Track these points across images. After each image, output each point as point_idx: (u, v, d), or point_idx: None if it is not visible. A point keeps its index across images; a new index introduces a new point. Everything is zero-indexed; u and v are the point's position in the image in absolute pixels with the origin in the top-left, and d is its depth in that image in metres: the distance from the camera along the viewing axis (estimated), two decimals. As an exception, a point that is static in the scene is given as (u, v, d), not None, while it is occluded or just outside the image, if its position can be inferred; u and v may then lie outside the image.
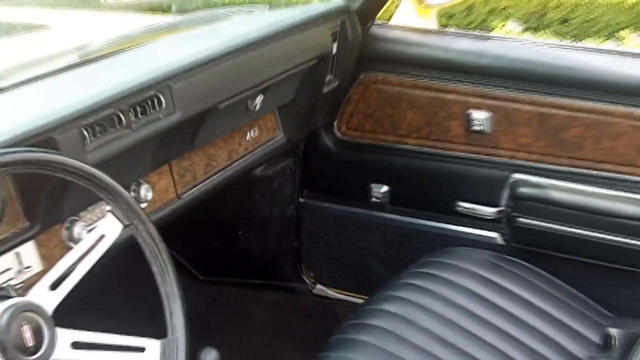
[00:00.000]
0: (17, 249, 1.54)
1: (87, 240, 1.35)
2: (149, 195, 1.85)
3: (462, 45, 2.34)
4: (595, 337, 2.05)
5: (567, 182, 2.24)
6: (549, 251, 2.27)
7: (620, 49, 4.93)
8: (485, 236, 2.38)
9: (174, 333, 1.41)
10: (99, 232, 1.36)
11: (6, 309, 1.22)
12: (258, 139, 2.24)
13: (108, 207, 1.38)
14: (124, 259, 1.45)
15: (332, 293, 2.67)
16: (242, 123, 2.13)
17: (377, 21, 2.40)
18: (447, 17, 5.66)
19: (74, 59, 1.97)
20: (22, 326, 1.24)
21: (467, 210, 2.38)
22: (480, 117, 2.29)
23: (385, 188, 2.48)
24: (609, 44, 5.51)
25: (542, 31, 5.89)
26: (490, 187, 2.33)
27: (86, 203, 1.69)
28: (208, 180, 2.07)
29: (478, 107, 2.29)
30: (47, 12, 2.38)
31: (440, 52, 2.33)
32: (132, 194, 1.78)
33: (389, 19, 2.46)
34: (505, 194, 2.31)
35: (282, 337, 2.54)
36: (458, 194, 2.38)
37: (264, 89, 2.04)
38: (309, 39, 2.13)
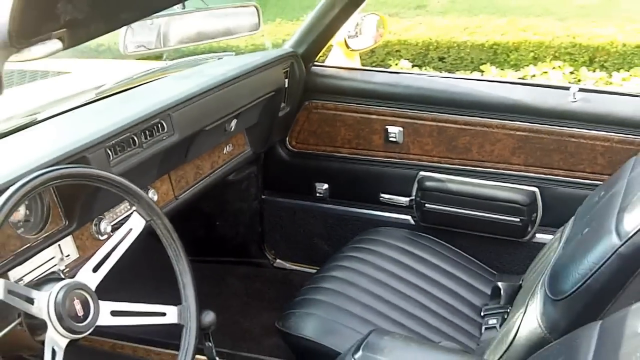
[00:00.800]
0: (59, 242, 1.51)
1: (119, 233, 1.33)
2: (155, 197, 1.84)
3: (380, 79, 2.36)
4: (486, 289, 2.09)
5: (459, 176, 2.28)
6: (448, 227, 2.30)
7: (496, 78, 5.04)
8: (401, 219, 2.39)
9: (187, 300, 1.39)
10: (127, 227, 1.34)
11: (61, 288, 1.20)
12: (232, 152, 2.22)
13: (133, 207, 1.36)
14: (143, 248, 1.42)
15: (288, 265, 2.65)
16: (221, 141, 2.12)
17: (316, 62, 2.39)
18: (356, 58, 5.67)
19: (92, 96, 1.93)
20: (74, 300, 1.21)
21: (388, 200, 2.39)
22: (395, 131, 2.31)
23: (326, 186, 2.48)
24: (477, 74, 5.61)
25: (425, 67, 5.94)
26: (403, 182, 2.35)
27: (109, 205, 1.66)
28: (197, 185, 2.06)
29: (393, 123, 2.30)
30: (69, 61, 2.33)
31: (364, 84, 2.34)
32: None
33: (325, 60, 2.46)
34: (415, 187, 2.33)
35: (252, 300, 2.52)
36: (380, 188, 2.39)
37: (237, 115, 2.03)
38: (268, 76, 2.12)
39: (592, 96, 2.12)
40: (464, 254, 2.22)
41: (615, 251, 1.42)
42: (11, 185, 1.15)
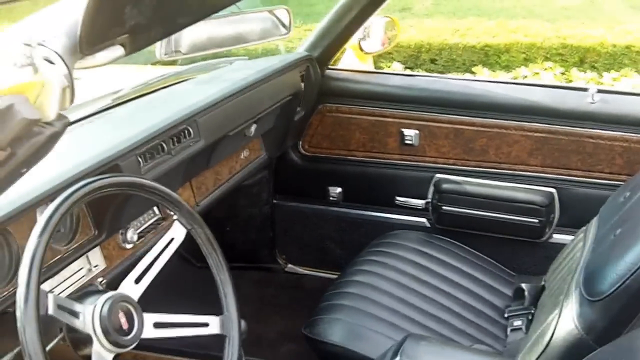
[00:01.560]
0: (88, 253, 1.48)
1: (160, 243, 1.30)
2: None
3: (395, 82, 2.34)
4: (507, 291, 2.08)
5: (476, 178, 2.26)
6: (465, 229, 2.28)
7: (511, 80, 5.02)
8: (416, 221, 2.37)
9: (229, 310, 1.37)
10: (169, 236, 1.31)
11: (106, 301, 1.16)
12: (249, 157, 2.19)
13: (175, 216, 1.33)
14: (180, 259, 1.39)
15: (300, 270, 2.63)
16: (240, 146, 2.09)
17: (330, 66, 2.37)
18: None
19: (109, 101, 1.89)
20: (119, 313, 1.18)
21: (403, 202, 2.37)
22: (410, 133, 2.29)
23: (339, 189, 2.45)
24: (468, 75, 5.61)
25: (418, 69, 5.94)
26: (419, 185, 2.33)
27: (138, 214, 1.63)
28: (216, 191, 2.02)
29: (408, 126, 2.28)
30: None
31: (379, 87, 2.32)
32: None
33: (338, 63, 2.44)
34: (431, 189, 2.31)
35: (265, 306, 2.49)
36: (396, 191, 2.37)
37: (257, 120, 2.00)
38: (286, 80, 2.10)
39: (611, 97, 2.11)
40: (482, 255, 2.20)
41: None
42: (56, 195, 1.12)
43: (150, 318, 1.24)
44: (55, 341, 1.14)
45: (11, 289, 1.25)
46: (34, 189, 1.24)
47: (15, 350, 1.21)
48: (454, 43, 5.94)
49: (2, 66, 0.75)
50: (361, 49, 2.37)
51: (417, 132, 2.28)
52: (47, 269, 1.34)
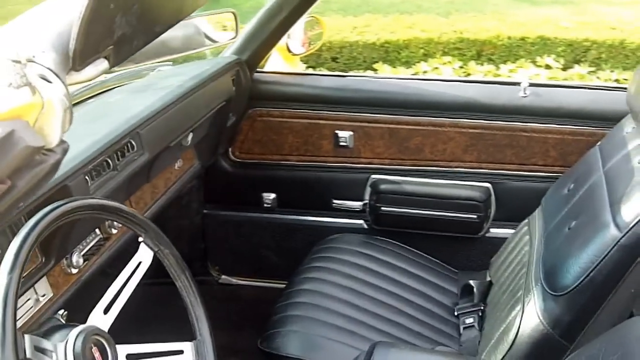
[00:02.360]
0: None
1: (128, 268, 1.21)
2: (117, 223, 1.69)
3: (327, 83, 2.30)
4: (452, 288, 2.09)
5: (413, 177, 2.26)
6: (404, 229, 2.28)
7: (445, 77, 5.07)
8: (354, 223, 2.35)
9: (202, 334, 1.29)
10: (136, 260, 1.22)
11: (77, 336, 1.06)
12: (182, 167, 2.10)
13: (140, 238, 1.24)
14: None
15: (235, 281, 2.55)
16: (178, 157, 1.99)
17: (259, 68, 2.31)
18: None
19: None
20: (92, 348, 1.08)
21: (340, 205, 2.34)
22: (345, 135, 2.26)
23: (273, 195, 2.40)
24: (370, 73, 5.65)
25: (320, 68, 5.92)
26: (356, 186, 2.31)
27: (82, 237, 1.52)
28: (154, 205, 1.92)
29: (343, 128, 2.26)
30: None
31: (310, 89, 2.28)
32: (107, 222, 1.62)
33: (263, 66, 2.37)
34: (368, 190, 2.30)
35: (171, 319, 2.39)
36: (332, 194, 2.34)
37: (193, 128, 1.92)
38: (219, 86, 2.02)
39: (542, 90, 2.16)
40: (423, 254, 2.21)
41: (617, 243, 1.44)
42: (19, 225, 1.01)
43: (123, 349, 1.15)
44: None
45: None
46: None
47: None
48: (354, 41, 5.96)
49: (-6, 88, 0.65)
50: (289, 51, 2.32)
51: (351, 133, 2.26)
52: None
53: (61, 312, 1.32)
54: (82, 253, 1.53)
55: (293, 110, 2.27)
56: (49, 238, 1.34)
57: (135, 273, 1.21)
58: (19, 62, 0.68)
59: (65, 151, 0.69)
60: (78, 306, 1.30)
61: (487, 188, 2.23)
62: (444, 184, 2.24)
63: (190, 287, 1.29)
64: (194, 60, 2.26)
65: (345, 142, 2.27)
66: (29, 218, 1.01)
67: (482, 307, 1.94)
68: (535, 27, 6.09)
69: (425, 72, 5.71)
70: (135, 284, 1.20)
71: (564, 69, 5.68)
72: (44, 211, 1.02)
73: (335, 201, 2.34)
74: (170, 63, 2.23)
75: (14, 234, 0.97)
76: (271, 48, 2.23)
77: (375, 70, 5.81)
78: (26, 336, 0.97)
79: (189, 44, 1.92)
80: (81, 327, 1.09)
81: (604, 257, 1.46)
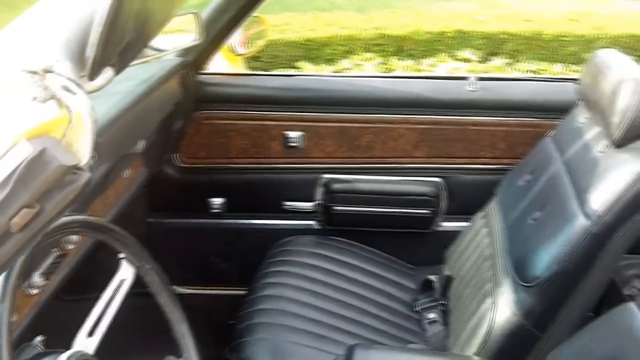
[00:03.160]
0: None
1: (110, 287, 1.15)
2: (74, 238, 1.61)
3: (274, 83, 2.27)
4: (410, 284, 2.10)
5: (364, 175, 2.26)
6: (357, 228, 2.27)
7: (396, 74, 5.06)
8: (306, 224, 2.32)
9: (188, 350, 1.25)
10: (118, 278, 1.17)
11: None
12: (131, 176, 2.02)
13: (122, 255, 1.18)
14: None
15: (183, 290, 2.47)
16: (128, 165, 1.92)
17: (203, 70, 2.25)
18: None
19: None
20: None
21: (291, 207, 2.31)
22: (294, 135, 2.24)
23: (221, 200, 2.34)
24: (293, 71, 5.64)
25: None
26: (307, 187, 2.28)
27: (44, 256, 1.44)
28: (106, 217, 1.84)
29: (292, 128, 2.23)
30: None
31: (258, 90, 2.24)
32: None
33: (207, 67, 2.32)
34: (320, 190, 2.28)
35: (154, 334, 2.32)
36: (282, 196, 2.31)
37: (147, 134, 1.85)
38: (170, 89, 1.96)
39: (489, 84, 2.20)
40: (379, 251, 2.21)
41: (588, 232, 1.48)
42: None
43: None
44: None
45: None
46: None
47: None
48: (275, 39, 5.93)
49: (17, 102, 0.60)
50: (233, 51, 2.28)
51: (301, 133, 2.23)
52: None
53: (39, 338, 1.24)
54: (41, 272, 1.45)
55: (240, 112, 2.23)
56: None
57: (119, 292, 1.15)
58: (35, 73, 0.62)
59: (92, 169, 0.64)
60: (56, 329, 1.23)
61: (439, 182, 2.25)
62: (396, 180, 2.25)
63: (173, 303, 1.24)
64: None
65: (295, 142, 2.24)
66: None
67: (443, 302, 1.95)
68: (453, 21, 6.22)
69: (348, 68, 5.75)
70: (119, 303, 1.15)
71: (482, 61, 5.83)
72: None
73: (286, 203, 2.31)
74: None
75: None
76: (217, 49, 2.18)
77: (298, 68, 5.81)
78: None
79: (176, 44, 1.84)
80: (67, 353, 1.04)
81: (575, 247, 1.49)
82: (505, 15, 6.46)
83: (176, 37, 1.81)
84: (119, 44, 0.71)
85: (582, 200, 1.53)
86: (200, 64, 2.19)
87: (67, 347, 1.12)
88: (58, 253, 1.54)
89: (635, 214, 1.46)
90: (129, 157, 1.79)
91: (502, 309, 1.59)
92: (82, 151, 0.61)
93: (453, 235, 2.14)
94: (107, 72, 0.75)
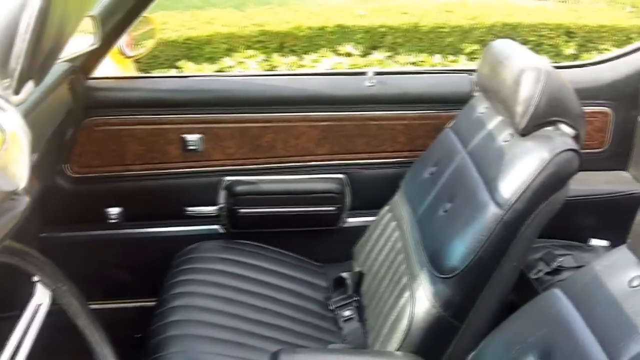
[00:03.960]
0: None
1: (27, 314, 1.06)
2: None
3: (170, 85, 2.19)
4: (320, 282, 2.10)
5: (268, 175, 2.23)
6: (264, 229, 2.24)
7: (294, 71, 4.95)
8: (210, 229, 2.26)
9: None
10: (34, 304, 1.08)
11: None
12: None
13: (36, 278, 1.09)
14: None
15: None
16: None
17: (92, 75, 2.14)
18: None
19: None
20: None
21: (194, 212, 2.25)
22: (193, 138, 2.17)
23: (119, 209, 2.24)
24: (174, 71, 5.51)
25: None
26: (209, 191, 2.23)
27: None
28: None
29: (190, 131, 2.16)
30: None
31: (152, 93, 2.15)
32: None
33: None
34: (222, 194, 2.22)
35: (57, 354, 2.20)
36: (184, 202, 2.24)
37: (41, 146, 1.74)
38: (60, 96, 1.85)
39: (387, 78, 2.21)
40: (287, 252, 2.18)
41: (500, 220, 1.51)
42: None
43: None
44: None
45: None
46: None
47: None
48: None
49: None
50: (122, 54, 2.18)
51: (200, 136, 2.17)
52: None
53: None
54: None
55: (134, 116, 2.14)
56: None
57: (36, 318, 1.07)
58: (-43, 89, 0.56)
59: (30, 193, 0.58)
60: None
61: (342, 179, 2.24)
62: (299, 179, 2.23)
63: (93, 324, 1.17)
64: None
65: (194, 145, 2.18)
66: None
67: (356, 298, 1.95)
68: (333, 16, 6.27)
69: (230, 67, 5.68)
70: (37, 329, 1.06)
71: (364, 55, 5.91)
72: None
73: (188, 209, 2.24)
74: None
75: None
76: (106, 52, 2.07)
77: (179, 68, 5.68)
78: None
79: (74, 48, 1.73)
80: None
81: (489, 236, 1.52)
82: (383, 9, 6.57)
83: (71, 41, 1.70)
84: (43, 52, 0.65)
85: (491, 190, 1.57)
86: (89, 69, 2.08)
87: None
88: None
89: (545, 200, 1.51)
90: None
91: (420, 302, 1.61)
92: (19, 174, 0.55)
93: (360, 230, 2.15)
94: (28, 86, 0.68)
